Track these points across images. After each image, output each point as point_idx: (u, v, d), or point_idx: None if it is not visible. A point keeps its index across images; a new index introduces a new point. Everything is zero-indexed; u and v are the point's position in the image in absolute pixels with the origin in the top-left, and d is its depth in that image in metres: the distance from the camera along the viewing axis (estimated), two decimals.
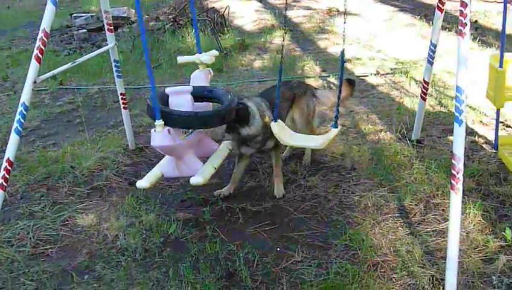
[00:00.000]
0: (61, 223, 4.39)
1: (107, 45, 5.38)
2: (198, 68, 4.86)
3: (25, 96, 4.04)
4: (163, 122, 3.89)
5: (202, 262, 3.79)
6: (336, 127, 4.37)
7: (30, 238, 4.16)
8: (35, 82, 4.05)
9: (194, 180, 4.10)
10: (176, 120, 4.02)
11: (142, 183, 4.13)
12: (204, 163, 4.36)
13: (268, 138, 4.51)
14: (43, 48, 4.01)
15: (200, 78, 4.80)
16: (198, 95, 4.48)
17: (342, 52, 4.23)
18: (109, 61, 5.42)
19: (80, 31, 11.96)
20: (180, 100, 4.28)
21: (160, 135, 3.91)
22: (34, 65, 4.03)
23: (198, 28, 6.27)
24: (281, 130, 4.41)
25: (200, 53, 4.89)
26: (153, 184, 4.22)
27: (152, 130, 3.94)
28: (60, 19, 13.01)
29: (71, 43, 11.54)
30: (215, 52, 5.00)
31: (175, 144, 4.02)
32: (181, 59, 4.96)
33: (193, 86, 4.50)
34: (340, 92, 4.29)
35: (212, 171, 4.34)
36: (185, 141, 4.21)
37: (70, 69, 7.35)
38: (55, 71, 4.60)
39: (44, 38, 4.01)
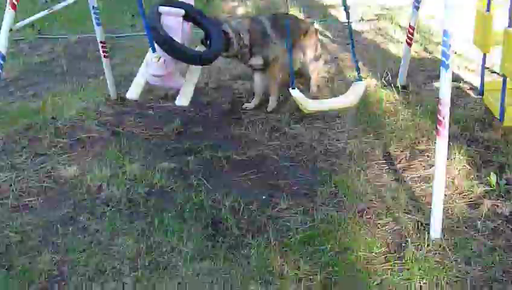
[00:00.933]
0: (44, 174, 4.32)
1: None
2: None
3: (1, 45, 3.93)
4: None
5: (187, 211, 3.77)
6: (361, 80, 4.28)
7: (13, 190, 4.10)
8: (11, 30, 3.93)
9: (179, 102, 4.43)
10: (179, 55, 4.30)
11: (131, 94, 4.37)
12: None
13: (251, 55, 5.03)
14: None
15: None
16: (190, 15, 4.61)
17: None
18: (88, 8, 5.26)
19: None
20: (171, 22, 4.44)
21: (157, 65, 4.17)
22: (9, 12, 3.91)
23: None
24: (302, 98, 4.19)
25: None
26: (139, 95, 4.44)
27: (149, 58, 4.23)
28: None
29: None
30: None
31: (168, 72, 4.27)
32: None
33: (189, 5, 4.63)
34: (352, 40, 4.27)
35: (192, 89, 4.56)
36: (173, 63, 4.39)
37: (48, 18, 7.21)
38: (32, 18, 4.47)
39: None
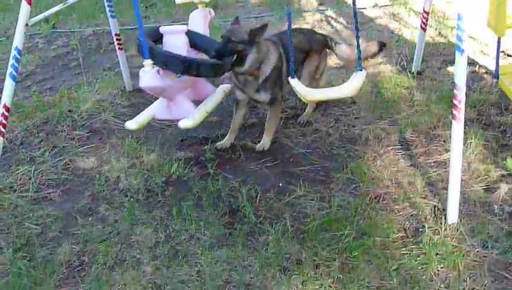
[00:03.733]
0: (62, 167, 4.38)
1: None
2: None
3: (18, 40, 3.97)
4: (162, 64, 3.84)
5: (205, 200, 3.80)
6: (361, 70, 4.18)
7: (32, 183, 4.16)
8: (27, 25, 3.98)
9: (182, 124, 4.00)
10: (176, 65, 3.93)
11: (130, 124, 4.15)
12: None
13: (262, 88, 4.30)
14: None
15: (199, 20, 4.60)
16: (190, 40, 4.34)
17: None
18: (102, 1, 5.29)
19: None
20: (175, 41, 4.20)
21: (148, 75, 3.82)
22: (24, 7, 3.94)
23: None
24: (301, 87, 3.99)
25: None
26: (141, 125, 4.23)
27: (141, 70, 3.86)
28: None
29: None
30: None
31: (164, 85, 3.94)
32: (178, 0, 4.83)
33: (188, 30, 4.38)
34: (357, 29, 4.02)
35: (204, 114, 4.22)
36: (175, 82, 4.08)
37: (62, 12, 7.25)
38: (47, 13, 4.51)
39: None
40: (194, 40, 4.40)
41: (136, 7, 3.82)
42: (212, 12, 4.77)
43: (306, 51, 4.62)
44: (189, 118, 4.03)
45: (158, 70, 3.83)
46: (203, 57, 4.39)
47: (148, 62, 3.79)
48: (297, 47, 4.22)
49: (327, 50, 4.89)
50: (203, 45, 4.41)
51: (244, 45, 4.10)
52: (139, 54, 4.19)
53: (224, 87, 4.71)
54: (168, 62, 3.90)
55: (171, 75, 4.01)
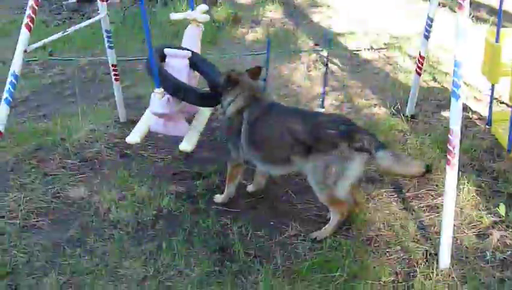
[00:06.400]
0: (53, 195, 4.33)
1: (98, 15, 5.27)
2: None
3: (16, 65, 3.97)
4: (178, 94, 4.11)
5: (195, 236, 3.77)
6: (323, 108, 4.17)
7: (21, 210, 4.11)
8: (25, 51, 3.97)
9: (182, 147, 4.21)
10: (190, 97, 4.20)
11: (134, 138, 4.24)
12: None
13: None
14: (33, 16, 3.93)
15: (192, 35, 4.90)
16: (192, 61, 4.58)
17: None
18: (99, 32, 5.31)
19: (70, 1, 11.73)
20: (177, 64, 4.43)
21: (160, 102, 4.03)
22: (24, 34, 3.94)
23: None
24: None
25: (192, 9, 4.99)
26: (143, 139, 4.36)
27: (152, 94, 4.05)
28: None
29: (60, 13, 11.33)
30: (204, 8, 5.06)
31: (172, 112, 4.14)
32: (174, 16, 5.02)
33: (192, 52, 4.60)
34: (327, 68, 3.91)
35: (197, 136, 4.43)
36: (180, 107, 4.30)
37: (60, 40, 7.27)
38: (46, 40, 4.50)
39: (35, 6, 3.93)
40: (197, 63, 4.67)
41: (146, 30, 3.97)
42: (202, 27, 5.04)
43: (302, 143, 3.69)
44: (187, 142, 4.24)
45: (168, 99, 4.04)
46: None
47: (158, 91, 4.02)
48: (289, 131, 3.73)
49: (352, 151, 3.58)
50: (205, 70, 4.70)
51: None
52: (148, 74, 4.37)
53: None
54: (162, 81, 4.09)
55: (177, 101, 4.20)
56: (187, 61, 4.51)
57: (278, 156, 3.82)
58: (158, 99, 4.03)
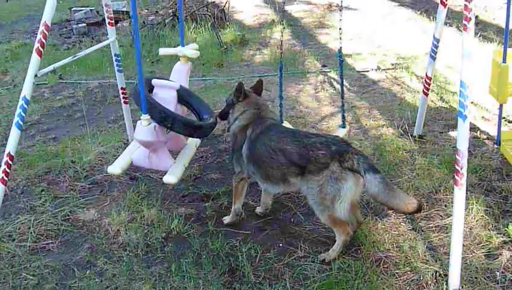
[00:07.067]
0: (62, 217, 4.36)
1: (107, 39, 5.34)
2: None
3: (26, 90, 4.01)
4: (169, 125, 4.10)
5: (204, 257, 3.77)
6: (344, 127, 4.10)
7: (31, 232, 4.14)
8: (36, 76, 4.02)
9: (167, 180, 4.19)
10: (177, 125, 4.17)
11: (115, 169, 4.24)
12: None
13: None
14: (44, 41, 3.98)
15: (181, 72, 4.91)
16: (180, 95, 4.59)
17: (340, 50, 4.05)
18: (109, 55, 5.39)
19: (80, 25, 11.91)
20: (165, 95, 4.44)
21: (145, 129, 4.02)
22: (35, 58, 3.99)
23: (184, 21, 6.37)
24: None
25: (183, 46, 5.00)
26: (124, 170, 4.36)
27: (138, 122, 4.05)
28: (59, 12, 12.91)
29: (70, 37, 11.49)
30: (195, 46, 5.09)
31: (157, 141, 4.14)
32: (162, 51, 5.12)
33: (180, 85, 4.61)
34: (342, 87, 4.08)
35: (183, 169, 4.42)
36: (165, 138, 4.34)
37: (70, 64, 7.35)
38: (56, 65, 4.56)
39: (45, 32, 3.98)
40: (185, 97, 4.70)
41: (138, 61, 3.98)
42: (191, 66, 5.08)
43: (295, 164, 3.72)
44: (172, 174, 4.20)
45: (155, 126, 4.04)
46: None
47: (145, 117, 4.00)
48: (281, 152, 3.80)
49: (345, 170, 3.56)
50: (193, 103, 4.76)
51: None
52: (134, 102, 4.41)
53: (196, 141, 4.87)
54: (150, 109, 4.07)
55: (164, 130, 4.24)
56: (175, 93, 4.52)
57: (275, 176, 3.87)
58: (144, 126, 4.00)
